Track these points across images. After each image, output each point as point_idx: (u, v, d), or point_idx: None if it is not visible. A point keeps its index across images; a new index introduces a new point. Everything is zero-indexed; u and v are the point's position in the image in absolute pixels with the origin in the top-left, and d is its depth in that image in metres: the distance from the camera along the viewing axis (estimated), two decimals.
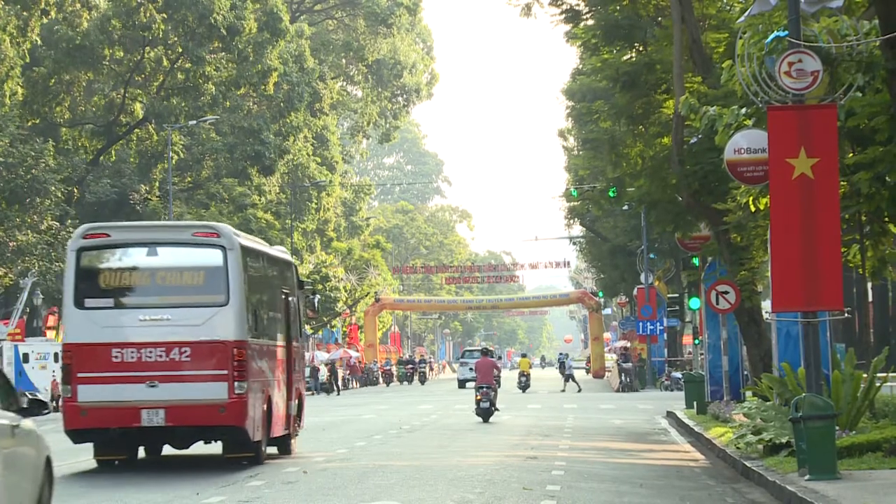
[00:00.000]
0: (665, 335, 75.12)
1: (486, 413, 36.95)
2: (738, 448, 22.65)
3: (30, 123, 69.21)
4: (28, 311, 63.77)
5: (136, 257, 22.79)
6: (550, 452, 24.86)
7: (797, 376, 21.67)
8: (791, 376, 22.25)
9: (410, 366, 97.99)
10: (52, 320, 67.92)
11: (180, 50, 70.54)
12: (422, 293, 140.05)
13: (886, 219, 21.38)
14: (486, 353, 41.62)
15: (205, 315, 22.04)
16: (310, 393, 72.19)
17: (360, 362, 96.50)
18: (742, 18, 21.51)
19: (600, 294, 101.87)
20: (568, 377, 71.55)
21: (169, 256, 22.78)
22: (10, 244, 61.33)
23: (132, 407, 21.88)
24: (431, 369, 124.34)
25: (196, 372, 21.94)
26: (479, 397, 37.26)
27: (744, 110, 21.26)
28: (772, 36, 19.83)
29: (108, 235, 22.86)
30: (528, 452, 24.93)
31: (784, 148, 18.90)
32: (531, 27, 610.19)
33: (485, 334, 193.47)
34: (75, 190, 69.99)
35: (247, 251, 23.01)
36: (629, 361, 70.08)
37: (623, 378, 68.09)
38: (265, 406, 23.12)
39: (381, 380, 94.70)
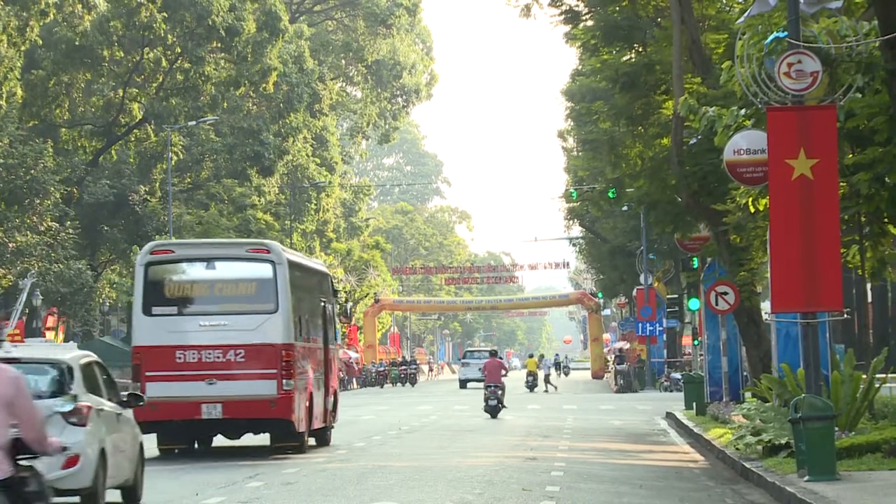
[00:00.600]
0: (664, 336, 75.11)
1: (494, 410, 39.45)
2: (737, 449, 22.64)
3: (29, 124, 69.22)
4: (27, 311, 63.76)
5: (197, 270, 25.89)
6: (550, 453, 24.86)
7: (796, 377, 21.66)
8: (790, 377, 22.24)
9: (404, 367, 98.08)
10: (51, 321, 67.96)
11: (179, 50, 70.55)
12: (421, 294, 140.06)
13: (886, 220, 21.37)
14: (493, 354, 45.22)
15: (257, 321, 24.94)
16: None
17: (357, 364, 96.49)
18: (741, 19, 21.49)
19: (600, 295, 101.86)
20: (546, 377, 71.94)
21: (225, 270, 25.82)
22: (10, 245, 61.33)
23: (194, 402, 24.74)
24: (431, 370, 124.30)
25: (249, 371, 24.79)
26: (487, 395, 39.77)
27: (743, 111, 21.25)
28: (771, 37, 19.82)
29: (172, 252, 26.56)
30: (527, 453, 24.93)
31: (783, 149, 18.89)
32: (530, 28, 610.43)
33: (484, 335, 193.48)
34: (74, 190, 69.98)
35: (292, 265, 25.86)
36: (624, 363, 70.35)
37: (619, 380, 68.34)
38: (308, 401, 25.80)
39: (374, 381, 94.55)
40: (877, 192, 19.95)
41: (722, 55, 29.05)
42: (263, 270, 25.34)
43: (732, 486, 19.64)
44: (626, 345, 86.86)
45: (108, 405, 16.94)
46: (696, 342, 55.82)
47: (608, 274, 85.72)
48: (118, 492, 17.21)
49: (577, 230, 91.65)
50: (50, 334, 66.68)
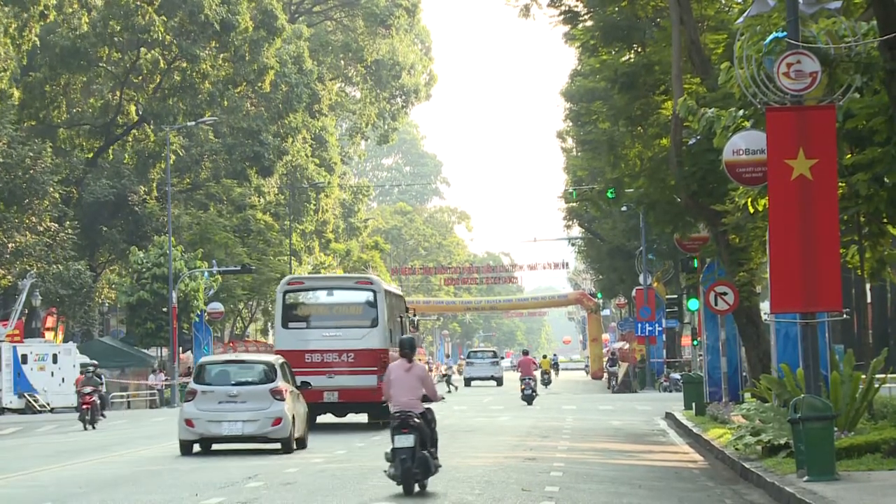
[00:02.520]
0: (664, 336, 75.13)
1: (529, 398, 50.54)
2: (736, 449, 22.65)
3: (27, 125, 69.20)
4: (27, 312, 63.74)
5: (320, 296, 35.63)
6: (549, 453, 24.87)
7: (796, 377, 21.66)
8: (790, 377, 22.25)
9: None
10: (50, 321, 67.90)
11: (176, 50, 70.52)
12: (420, 294, 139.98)
13: (885, 220, 21.37)
14: (525, 353, 58.22)
15: (362, 333, 34.18)
16: None
17: None
18: (741, 19, 21.49)
19: (599, 295, 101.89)
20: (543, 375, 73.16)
21: (340, 296, 35.43)
22: (9, 245, 61.32)
23: (318, 390, 33.52)
24: (430, 370, 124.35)
25: (356, 368, 33.82)
26: (523, 387, 51.03)
27: (742, 111, 21.25)
28: (770, 37, 19.83)
29: (303, 283, 37.01)
30: (526, 453, 24.94)
31: (782, 149, 18.89)
32: (530, 28, 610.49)
33: (483, 335, 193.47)
34: (73, 191, 69.97)
35: (386, 292, 35.34)
36: (616, 364, 70.52)
37: (611, 381, 68.63)
38: None
39: None
40: (876, 192, 19.95)
41: (721, 55, 29.06)
42: (367, 297, 34.74)
43: (732, 486, 19.64)
44: (624, 345, 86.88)
45: (292, 388, 27.20)
46: (695, 342, 55.84)
47: (607, 274, 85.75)
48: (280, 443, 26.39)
49: (576, 230, 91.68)
50: (49, 334, 66.64)
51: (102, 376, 45.22)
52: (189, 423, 26.12)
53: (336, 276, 46.45)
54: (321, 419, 35.10)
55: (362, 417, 36.10)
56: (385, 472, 17.96)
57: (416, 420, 17.70)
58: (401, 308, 38.26)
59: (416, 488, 17.73)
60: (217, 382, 26.63)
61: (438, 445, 18.50)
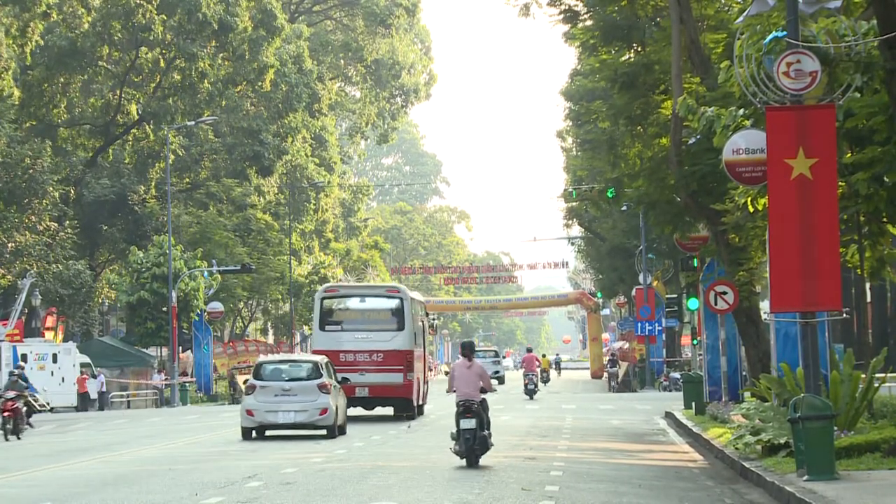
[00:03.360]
0: (663, 336, 75.13)
1: (531, 392, 56.71)
2: (736, 448, 22.64)
3: (27, 125, 69.18)
4: (26, 311, 63.73)
5: (353, 303, 39.63)
6: (549, 453, 24.86)
7: (796, 377, 21.65)
8: (790, 377, 22.23)
9: None
10: (50, 321, 67.90)
11: (175, 50, 70.48)
12: (420, 294, 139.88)
13: (884, 219, 21.37)
14: (529, 350, 63.98)
15: (390, 336, 38.38)
16: None
17: None
18: (740, 19, 21.48)
19: (599, 294, 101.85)
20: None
21: (371, 303, 39.45)
22: (9, 245, 61.30)
23: (351, 386, 36.74)
24: (430, 369, 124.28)
25: (385, 367, 37.99)
26: (526, 381, 57.19)
27: (742, 111, 21.24)
28: (770, 36, 19.82)
29: (338, 291, 41.35)
30: (526, 453, 24.93)
31: (782, 148, 18.89)
32: (529, 28, 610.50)
33: (483, 335, 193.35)
34: (73, 190, 69.95)
35: (412, 300, 39.57)
36: (616, 366, 70.59)
37: (611, 382, 68.77)
38: (417, 386, 39.46)
39: None
40: (875, 191, 19.94)
41: (721, 55, 29.04)
42: (395, 304, 38.90)
43: (732, 485, 19.64)
44: (624, 344, 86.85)
45: (335, 383, 31.59)
46: (695, 342, 55.81)
47: (607, 274, 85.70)
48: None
49: (576, 230, 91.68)
50: (49, 334, 66.64)
51: (29, 380, 38.81)
52: (249, 412, 30.84)
53: (368, 285, 54.35)
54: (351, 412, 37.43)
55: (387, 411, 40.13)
56: (451, 448, 22.10)
57: (476, 407, 21.89)
58: (423, 313, 42.68)
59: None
60: (272, 378, 31.29)
61: (433, 446, 18.67)
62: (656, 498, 17.80)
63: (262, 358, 34.83)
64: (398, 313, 38.65)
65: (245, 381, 57.02)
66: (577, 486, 18.70)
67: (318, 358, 32.50)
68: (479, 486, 18.54)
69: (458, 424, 21.83)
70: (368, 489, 18.43)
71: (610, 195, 41.57)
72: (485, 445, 21.91)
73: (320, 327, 38.77)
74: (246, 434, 30.93)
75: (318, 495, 17.73)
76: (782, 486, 17.11)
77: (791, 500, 16.31)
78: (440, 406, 44.28)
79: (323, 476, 20.41)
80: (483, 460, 22.12)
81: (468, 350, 22.63)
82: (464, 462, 21.70)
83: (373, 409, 39.73)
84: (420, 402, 40.57)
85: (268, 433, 31.35)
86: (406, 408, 38.58)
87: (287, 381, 31.08)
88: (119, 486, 20.09)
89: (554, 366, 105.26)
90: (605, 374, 73.95)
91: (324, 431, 30.83)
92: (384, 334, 38.35)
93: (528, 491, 17.96)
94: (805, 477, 17.46)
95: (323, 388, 30.72)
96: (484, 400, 22.24)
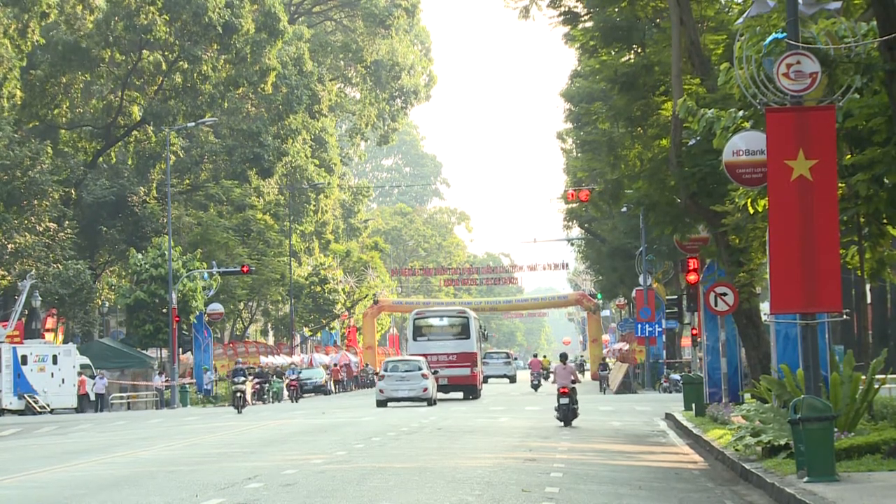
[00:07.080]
0: (663, 337, 75.13)
1: (535, 386, 71.75)
2: (736, 450, 22.63)
3: (29, 126, 69.18)
4: (27, 313, 63.71)
5: (435, 320, 62.39)
6: (549, 454, 24.85)
7: (796, 378, 21.64)
8: (790, 378, 22.23)
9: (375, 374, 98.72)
10: (50, 322, 67.88)
11: (177, 52, 70.48)
12: (420, 295, 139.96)
13: (884, 220, 21.36)
14: (535, 356, 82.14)
15: (461, 343, 60.03)
16: (292, 400, 72.56)
17: (357, 367, 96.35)
18: (740, 20, 21.48)
19: (599, 296, 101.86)
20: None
21: (447, 320, 62.00)
22: (9, 246, 61.29)
23: (436, 377, 54.46)
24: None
25: (458, 364, 59.10)
26: (532, 379, 72.53)
27: (742, 112, 21.23)
28: (770, 38, 19.81)
29: (424, 314, 63.58)
30: (526, 454, 24.92)
31: (782, 150, 18.88)
32: (529, 29, 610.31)
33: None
34: (72, 191, 69.93)
35: (474, 318, 61.39)
36: (607, 369, 71.11)
37: (602, 385, 69.24)
38: (479, 377, 61.00)
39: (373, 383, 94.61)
40: (875, 192, 19.94)
41: (721, 56, 29.06)
42: (462, 321, 61.36)
43: (732, 487, 19.63)
44: (624, 345, 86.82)
45: (430, 373, 52.71)
46: (695, 343, 55.74)
47: (607, 275, 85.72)
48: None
49: (576, 231, 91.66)
50: (49, 335, 66.62)
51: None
52: (381, 391, 51.51)
53: (444, 309, 71.96)
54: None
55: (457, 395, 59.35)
56: (555, 416, 34.46)
57: (570, 390, 34.04)
58: (478, 324, 64.13)
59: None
60: (393, 370, 52.15)
61: (433, 447, 18.61)
62: (656, 499, 17.80)
63: (387, 358, 59.27)
64: (465, 327, 60.60)
65: (253, 388, 63.84)
66: (577, 488, 18.70)
67: (420, 358, 54.10)
68: (479, 488, 18.54)
69: (558, 401, 34.12)
70: (369, 490, 18.42)
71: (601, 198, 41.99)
72: (575, 414, 34.27)
73: (413, 338, 60.77)
74: (380, 404, 50.91)
75: (319, 497, 17.73)
76: (782, 488, 17.10)
77: (791, 502, 16.30)
78: (440, 408, 44.51)
79: (323, 477, 20.40)
80: (477, 462, 22.17)
81: (564, 358, 36.21)
82: (562, 424, 33.95)
83: (448, 393, 58.93)
84: (479, 387, 61.70)
85: (390, 405, 51.27)
86: (472, 392, 59.63)
87: (403, 371, 51.65)
88: (119, 487, 20.08)
89: (578, 368, 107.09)
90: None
91: (425, 403, 51.18)
92: (456, 342, 59.93)
93: (529, 492, 17.96)
94: (805, 478, 17.45)
95: (424, 376, 51.46)
96: (573, 389, 34.11)
